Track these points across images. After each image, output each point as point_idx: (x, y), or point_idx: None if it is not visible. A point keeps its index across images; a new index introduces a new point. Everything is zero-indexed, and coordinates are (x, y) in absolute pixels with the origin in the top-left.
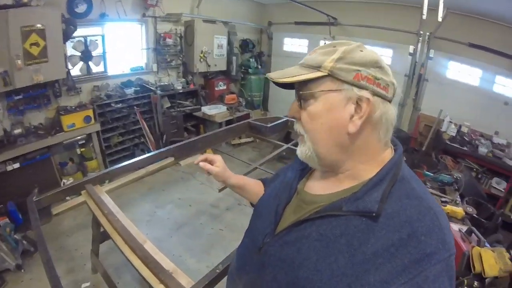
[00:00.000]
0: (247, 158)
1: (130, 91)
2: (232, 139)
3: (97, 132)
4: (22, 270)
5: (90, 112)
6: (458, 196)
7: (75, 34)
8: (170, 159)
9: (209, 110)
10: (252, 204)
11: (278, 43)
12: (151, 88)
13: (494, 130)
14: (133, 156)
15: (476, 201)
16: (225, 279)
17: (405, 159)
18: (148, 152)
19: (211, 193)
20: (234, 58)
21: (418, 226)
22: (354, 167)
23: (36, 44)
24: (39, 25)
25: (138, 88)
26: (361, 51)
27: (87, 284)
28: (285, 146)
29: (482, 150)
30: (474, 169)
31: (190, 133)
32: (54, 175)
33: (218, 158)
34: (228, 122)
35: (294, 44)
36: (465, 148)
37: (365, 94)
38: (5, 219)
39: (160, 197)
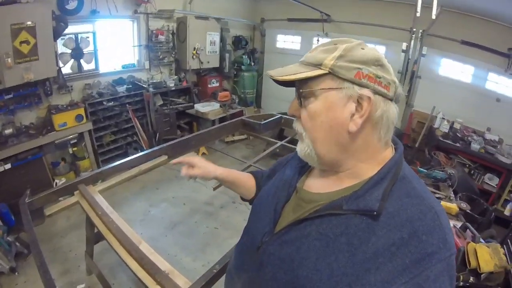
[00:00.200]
0: (240, 155)
1: (122, 88)
2: (225, 136)
3: (89, 131)
4: (16, 273)
5: (81, 111)
6: (452, 192)
7: (66, 31)
8: (164, 158)
9: (202, 107)
10: (242, 198)
11: (271, 40)
12: (143, 85)
13: (486, 126)
14: (126, 155)
15: (469, 197)
16: (222, 279)
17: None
18: (141, 151)
19: (205, 191)
20: (227, 55)
21: (419, 225)
22: (355, 166)
23: (26, 42)
24: (29, 23)
25: (130, 86)
26: (362, 49)
27: (82, 285)
28: (279, 143)
29: (475, 146)
30: (467, 165)
31: (183, 131)
32: (46, 175)
33: (195, 160)
34: (221, 120)
35: (287, 41)
36: (457, 145)
37: (366, 92)
38: None
39: (153, 195)
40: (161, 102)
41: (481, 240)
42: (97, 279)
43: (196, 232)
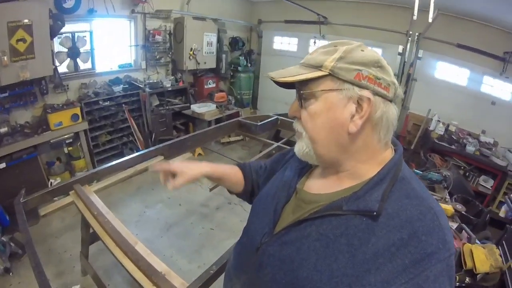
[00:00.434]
0: (236, 156)
1: (118, 88)
2: (221, 137)
3: (85, 131)
4: (11, 274)
5: (77, 110)
6: (447, 194)
7: (62, 30)
8: (160, 158)
9: (198, 108)
10: (229, 191)
11: (268, 41)
12: (140, 85)
13: (481, 129)
14: (121, 155)
15: (464, 198)
16: (219, 280)
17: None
18: (137, 151)
19: (200, 192)
20: (223, 56)
21: (419, 226)
22: (354, 167)
23: (22, 40)
24: (26, 21)
25: (127, 86)
26: (362, 50)
27: (77, 286)
28: (275, 144)
29: (470, 148)
30: (462, 167)
31: (179, 131)
32: (41, 175)
33: (174, 166)
34: (218, 121)
35: (284, 43)
36: (453, 147)
37: (366, 93)
38: None
39: (149, 196)
40: (157, 103)
41: (477, 241)
42: (92, 280)
43: (192, 233)
